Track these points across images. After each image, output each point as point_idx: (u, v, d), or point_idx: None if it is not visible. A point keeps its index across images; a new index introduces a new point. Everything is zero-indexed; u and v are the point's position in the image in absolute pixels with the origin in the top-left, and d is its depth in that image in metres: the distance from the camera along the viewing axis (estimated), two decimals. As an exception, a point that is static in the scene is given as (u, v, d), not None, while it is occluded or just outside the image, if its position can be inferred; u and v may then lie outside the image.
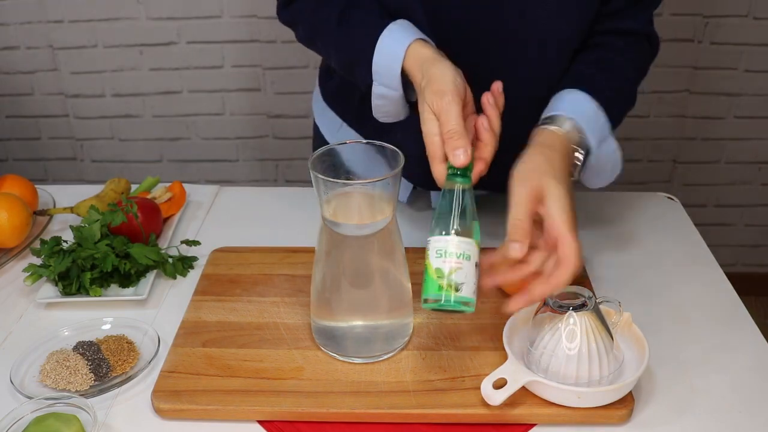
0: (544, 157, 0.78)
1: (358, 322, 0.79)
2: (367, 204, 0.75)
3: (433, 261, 0.71)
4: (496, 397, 0.71)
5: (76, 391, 0.76)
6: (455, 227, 0.71)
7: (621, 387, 0.72)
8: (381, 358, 0.79)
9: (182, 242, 1.00)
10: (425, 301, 0.72)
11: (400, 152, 0.73)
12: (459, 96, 0.75)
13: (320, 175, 0.72)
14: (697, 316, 0.88)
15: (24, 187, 1.09)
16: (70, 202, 1.09)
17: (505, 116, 0.81)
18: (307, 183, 1.29)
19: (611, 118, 0.87)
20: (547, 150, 0.79)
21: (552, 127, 0.82)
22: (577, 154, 0.83)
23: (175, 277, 0.96)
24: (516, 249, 0.72)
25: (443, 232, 0.71)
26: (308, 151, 1.27)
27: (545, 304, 0.75)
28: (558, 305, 0.74)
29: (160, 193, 1.08)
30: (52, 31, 1.98)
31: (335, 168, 0.76)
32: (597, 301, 0.75)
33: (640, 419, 0.73)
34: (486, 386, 0.72)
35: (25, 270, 0.93)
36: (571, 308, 0.73)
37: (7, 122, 2.15)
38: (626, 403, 0.73)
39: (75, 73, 2.04)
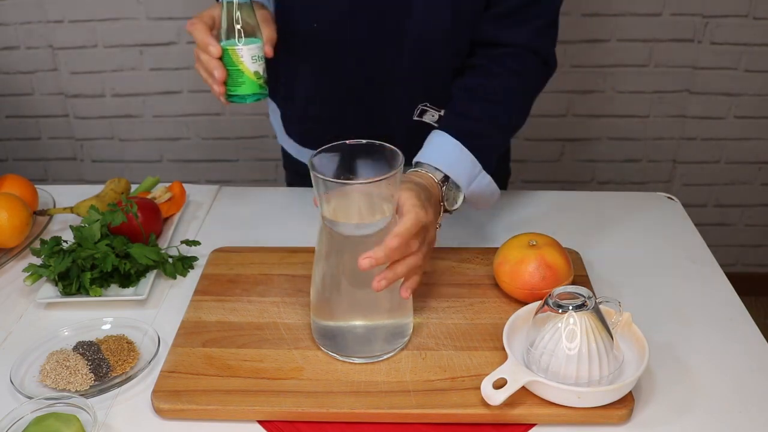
0: (410, 183, 0.83)
1: (358, 322, 0.79)
2: (366, 204, 0.75)
3: (250, 66, 0.90)
4: (496, 397, 0.71)
5: (76, 391, 0.76)
6: (259, 36, 0.91)
7: (621, 387, 0.72)
8: (381, 358, 0.79)
9: (182, 242, 1.00)
10: (244, 97, 0.92)
11: (399, 152, 0.74)
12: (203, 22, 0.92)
13: (320, 175, 0.71)
14: (697, 316, 0.88)
15: (24, 187, 1.09)
16: (70, 202, 1.09)
17: (375, 96, 1.01)
18: (295, 183, 1.30)
19: (484, 151, 0.92)
20: (416, 181, 0.85)
21: (423, 171, 0.89)
22: (444, 191, 0.89)
23: (175, 277, 0.96)
24: (365, 263, 0.74)
25: (251, 40, 0.89)
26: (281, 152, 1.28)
27: (545, 303, 0.75)
28: (558, 305, 0.74)
29: (160, 193, 1.08)
30: (52, 31, 1.98)
31: (338, 167, 0.76)
32: (597, 301, 0.75)
33: (640, 419, 0.73)
34: (486, 386, 0.72)
35: (25, 270, 0.93)
36: (570, 308, 0.73)
37: (7, 122, 2.15)
38: (626, 403, 0.73)
39: (75, 73, 2.04)
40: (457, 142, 0.91)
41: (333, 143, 0.77)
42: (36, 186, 1.12)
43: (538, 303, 0.77)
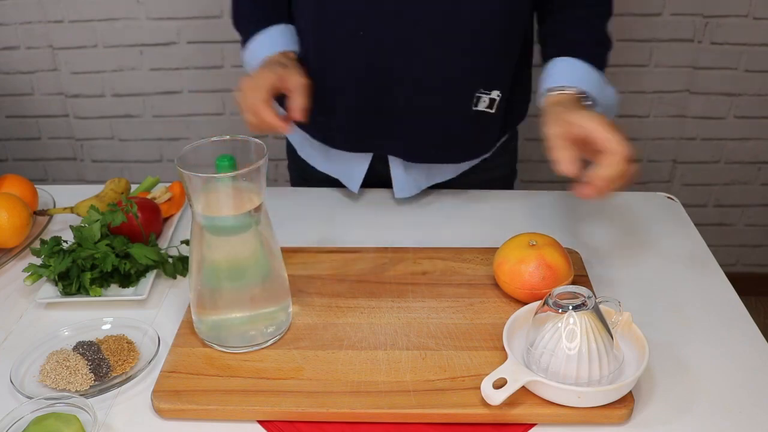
0: (561, 107, 0.91)
1: (238, 314, 0.81)
2: (236, 196, 0.76)
3: None
4: (496, 397, 0.71)
5: (76, 391, 0.76)
6: None
7: (621, 387, 0.72)
8: (263, 346, 0.81)
9: (182, 242, 1.00)
10: None
11: (264, 145, 0.77)
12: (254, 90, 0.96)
13: (185, 171, 0.73)
14: (697, 316, 0.88)
15: (24, 187, 1.09)
16: (70, 202, 1.09)
17: (442, 88, 1.02)
18: (300, 183, 1.30)
19: (597, 64, 0.98)
20: (562, 107, 0.91)
21: (557, 92, 0.95)
22: (584, 102, 0.94)
23: (175, 277, 0.96)
24: (559, 166, 0.83)
25: None
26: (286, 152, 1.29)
27: (545, 303, 0.75)
28: (557, 305, 0.74)
29: (160, 193, 1.08)
30: (52, 31, 1.98)
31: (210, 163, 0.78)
32: (597, 300, 0.75)
33: (640, 419, 0.73)
34: (486, 386, 0.72)
35: (25, 270, 0.93)
36: (570, 308, 0.73)
37: (7, 122, 2.15)
38: (626, 403, 0.73)
39: (75, 73, 2.04)
40: (582, 61, 0.97)
41: (199, 141, 0.78)
42: (36, 186, 1.12)
43: (537, 303, 0.77)
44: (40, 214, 1.07)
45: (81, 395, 0.75)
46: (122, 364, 0.80)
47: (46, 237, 0.97)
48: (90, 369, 0.78)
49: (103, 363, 0.79)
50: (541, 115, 0.92)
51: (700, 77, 1.97)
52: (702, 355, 0.81)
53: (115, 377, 0.79)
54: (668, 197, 1.14)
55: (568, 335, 0.72)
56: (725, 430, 0.72)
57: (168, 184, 1.11)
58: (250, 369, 0.79)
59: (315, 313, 0.87)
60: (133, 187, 1.15)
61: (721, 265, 0.97)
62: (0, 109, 2.13)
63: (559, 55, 0.99)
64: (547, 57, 1.02)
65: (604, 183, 0.82)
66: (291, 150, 1.27)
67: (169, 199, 1.08)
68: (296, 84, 0.97)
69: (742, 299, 0.91)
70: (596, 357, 0.72)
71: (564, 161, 0.83)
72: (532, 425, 0.73)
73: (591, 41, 1.01)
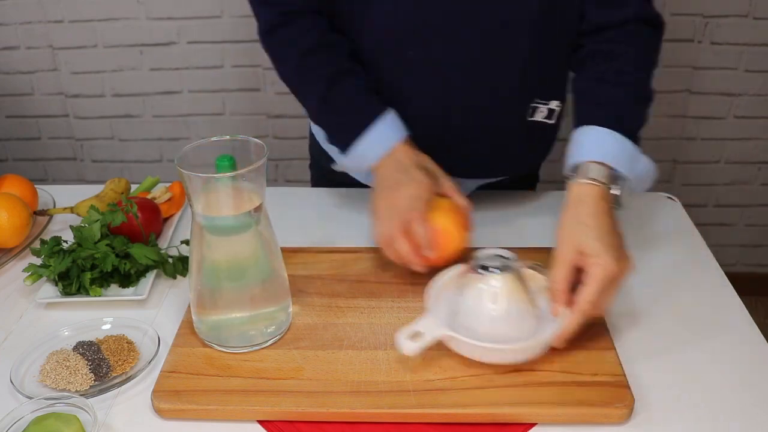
0: (577, 221, 0.82)
1: (238, 314, 0.81)
2: (236, 196, 0.76)
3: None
4: (410, 348, 0.74)
5: (76, 391, 0.76)
6: None
7: (533, 345, 0.75)
8: (263, 346, 0.81)
9: (182, 242, 1.00)
10: None
11: (264, 145, 0.76)
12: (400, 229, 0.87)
13: (185, 171, 0.73)
14: (697, 316, 0.88)
15: (24, 187, 1.09)
16: (70, 202, 1.09)
17: (475, 104, 0.96)
18: (308, 183, 1.30)
19: (634, 130, 0.89)
20: (582, 210, 0.83)
21: (583, 180, 0.85)
22: (613, 191, 0.86)
23: (175, 277, 0.96)
24: (554, 310, 0.78)
25: None
26: (308, 151, 1.28)
27: (469, 265, 0.78)
28: (481, 267, 0.76)
29: (160, 193, 1.08)
30: (52, 31, 1.98)
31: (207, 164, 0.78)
32: (521, 265, 0.77)
33: (640, 419, 0.73)
34: (401, 337, 0.75)
35: (25, 270, 0.93)
36: (493, 270, 0.75)
37: (7, 122, 2.15)
38: (626, 403, 0.73)
39: (75, 73, 2.04)
40: (611, 131, 0.87)
41: (199, 141, 0.78)
42: (36, 186, 1.12)
43: (463, 266, 0.79)
44: (40, 214, 1.07)
45: (81, 395, 0.75)
46: (122, 364, 0.80)
47: (46, 237, 0.97)
48: (90, 369, 0.78)
49: (103, 363, 0.79)
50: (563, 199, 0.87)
51: (700, 77, 1.97)
52: (702, 355, 0.81)
53: (115, 377, 0.79)
54: (668, 197, 1.14)
55: (491, 297, 0.75)
56: (725, 430, 0.72)
57: (168, 184, 1.11)
58: (250, 369, 0.79)
59: (315, 313, 0.87)
60: (133, 187, 1.15)
61: (721, 265, 0.97)
62: (0, 109, 2.13)
63: (590, 120, 0.90)
64: (578, 116, 0.94)
65: (586, 305, 0.77)
66: (315, 148, 1.20)
67: (169, 199, 1.08)
68: (450, 187, 0.93)
69: (742, 299, 0.91)
70: (517, 317, 0.75)
71: (556, 311, 0.79)
72: (532, 425, 0.73)
73: (629, 100, 0.91)
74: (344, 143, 0.97)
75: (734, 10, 1.88)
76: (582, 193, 0.84)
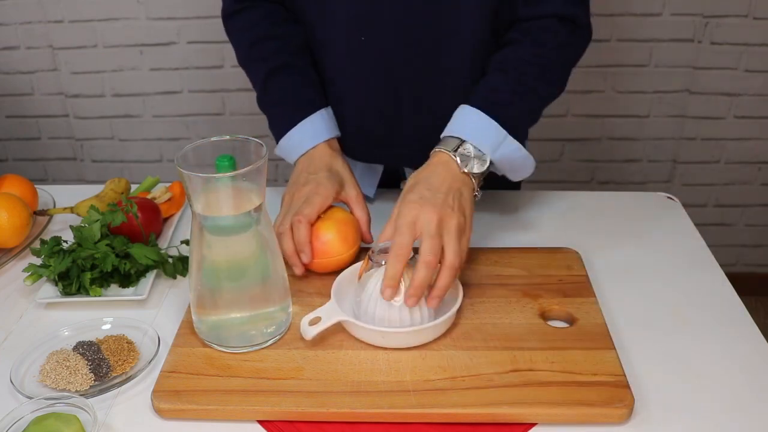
0: (426, 186, 0.85)
1: (238, 314, 0.81)
2: (236, 196, 0.76)
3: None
4: (310, 332, 0.79)
5: (76, 391, 0.76)
6: None
7: (428, 329, 0.80)
8: (263, 346, 0.81)
9: (182, 242, 1.00)
10: None
11: (264, 145, 0.77)
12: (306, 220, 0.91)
13: (185, 171, 0.73)
14: (696, 316, 0.88)
15: (24, 187, 1.09)
16: (70, 202, 1.09)
17: (425, 92, 1.01)
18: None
19: (508, 118, 0.91)
20: (421, 172, 0.88)
21: (435, 149, 0.90)
22: (462, 164, 0.88)
23: (175, 277, 0.96)
24: (387, 295, 0.80)
25: None
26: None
27: (369, 259, 0.83)
28: (378, 260, 0.82)
29: (160, 193, 1.08)
30: (52, 31, 1.98)
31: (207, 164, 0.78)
32: (414, 255, 0.82)
33: (640, 419, 0.73)
34: (303, 323, 0.80)
35: (25, 270, 0.93)
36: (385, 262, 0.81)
37: (7, 122, 2.15)
38: (626, 403, 0.73)
39: (75, 73, 2.04)
40: (477, 110, 0.90)
41: (200, 141, 0.78)
42: (36, 186, 1.12)
43: (362, 262, 0.85)
44: (40, 214, 1.07)
45: (81, 395, 0.75)
46: (122, 364, 0.80)
47: (46, 237, 0.97)
48: (90, 369, 0.78)
49: (103, 363, 0.79)
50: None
51: (700, 77, 1.98)
52: (702, 355, 0.81)
53: (115, 377, 0.79)
54: (668, 197, 1.14)
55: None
56: (725, 430, 0.72)
57: (168, 184, 1.11)
58: (250, 369, 0.79)
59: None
60: (133, 187, 1.15)
61: (721, 265, 0.97)
62: (0, 109, 2.13)
63: (468, 101, 0.92)
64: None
65: (427, 257, 0.80)
66: None
67: (169, 199, 1.08)
68: (353, 197, 0.98)
69: (742, 299, 0.91)
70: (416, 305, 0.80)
71: (389, 296, 0.80)
72: (532, 425, 0.73)
73: (508, 88, 0.93)
74: (275, 135, 1.04)
75: (734, 10, 1.88)
76: (430, 161, 0.89)
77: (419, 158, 0.92)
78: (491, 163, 0.90)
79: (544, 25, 0.96)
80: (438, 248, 0.81)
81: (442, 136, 0.92)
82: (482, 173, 0.89)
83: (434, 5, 0.95)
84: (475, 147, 0.89)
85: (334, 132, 1.03)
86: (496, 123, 0.90)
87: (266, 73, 1.03)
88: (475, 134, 0.89)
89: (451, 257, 0.81)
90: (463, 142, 0.89)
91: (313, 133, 1.01)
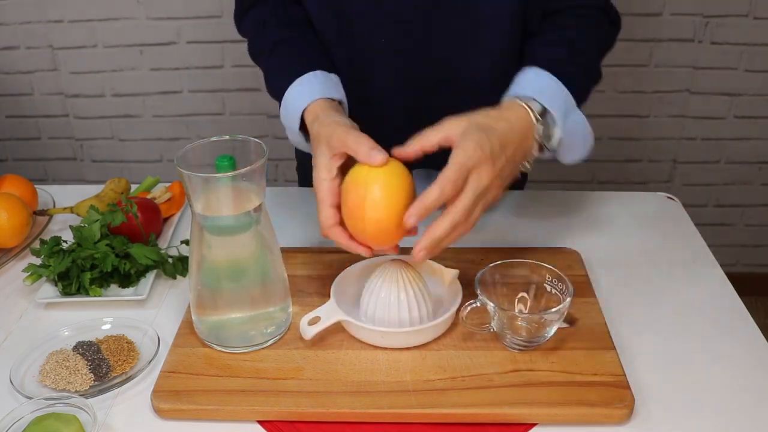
0: (497, 136, 0.78)
1: (237, 314, 0.81)
2: (236, 196, 0.76)
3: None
4: (309, 332, 0.79)
5: (76, 391, 0.76)
6: None
7: (427, 329, 0.79)
8: (263, 346, 0.81)
9: (182, 242, 1.00)
10: None
11: (264, 145, 0.76)
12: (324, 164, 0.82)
13: (185, 171, 0.73)
14: (696, 315, 0.88)
15: (24, 187, 1.09)
16: (70, 202, 1.09)
17: (451, 99, 0.90)
18: (308, 183, 1.30)
19: (575, 92, 0.87)
20: (511, 131, 0.80)
21: (513, 101, 0.83)
22: (536, 134, 0.83)
23: (175, 277, 0.96)
24: (410, 221, 0.74)
25: None
26: (294, 153, 1.28)
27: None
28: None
29: (160, 193, 1.08)
30: (52, 31, 1.98)
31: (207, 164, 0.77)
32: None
33: (640, 419, 0.73)
34: (303, 322, 0.80)
35: (25, 270, 0.93)
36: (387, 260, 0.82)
37: (7, 122, 2.15)
38: (626, 403, 0.73)
39: (75, 73, 2.04)
40: (551, 74, 0.85)
41: (199, 141, 0.78)
42: (36, 186, 1.12)
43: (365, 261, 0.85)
44: (40, 214, 1.07)
45: (81, 395, 0.75)
46: (122, 364, 0.80)
47: (46, 237, 0.97)
48: (90, 369, 0.78)
49: (103, 363, 0.79)
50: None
51: (700, 77, 1.98)
52: (702, 355, 0.81)
53: (115, 377, 0.79)
54: (668, 197, 1.14)
55: (387, 284, 0.81)
56: (725, 430, 0.72)
57: (168, 184, 1.11)
58: (250, 369, 0.79)
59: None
60: (133, 187, 1.15)
61: (721, 265, 0.97)
62: (0, 109, 2.13)
63: (528, 65, 0.88)
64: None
65: (447, 184, 0.73)
66: (299, 150, 1.15)
67: (169, 199, 1.08)
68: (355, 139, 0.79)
69: (742, 299, 0.91)
70: (413, 303, 0.80)
71: (411, 223, 0.74)
72: (533, 425, 0.73)
73: (571, 61, 0.90)
74: (277, 95, 0.95)
75: (734, 10, 1.88)
76: (506, 105, 0.82)
77: (428, 162, 0.90)
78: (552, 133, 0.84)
79: (585, 11, 0.96)
80: (474, 212, 0.76)
81: (512, 93, 0.85)
82: (548, 149, 0.85)
83: (457, 12, 0.94)
84: (550, 115, 0.83)
85: (330, 93, 0.91)
86: (567, 90, 0.85)
87: (269, 49, 1.00)
88: (550, 98, 0.83)
89: (469, 222, 0.76)
90: (542, 108, 0.82)
91: (316, 87, 0.91)
